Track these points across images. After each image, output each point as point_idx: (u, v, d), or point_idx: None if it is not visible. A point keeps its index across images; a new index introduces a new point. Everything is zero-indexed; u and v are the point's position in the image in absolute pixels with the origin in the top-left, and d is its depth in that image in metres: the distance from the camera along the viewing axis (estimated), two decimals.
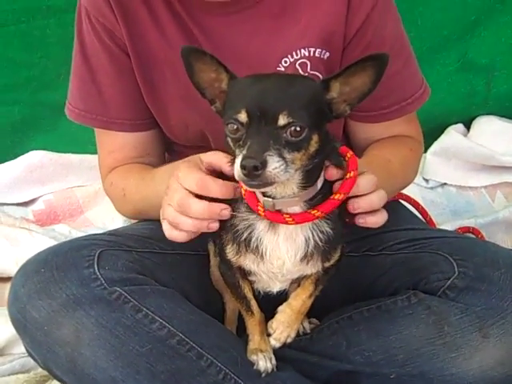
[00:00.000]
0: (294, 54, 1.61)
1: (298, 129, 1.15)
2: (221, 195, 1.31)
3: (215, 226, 1.34)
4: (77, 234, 2.39)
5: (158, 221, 1.66)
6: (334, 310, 1.63)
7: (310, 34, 1.60)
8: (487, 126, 2.73)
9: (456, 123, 2.77)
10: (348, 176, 1.28)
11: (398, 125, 1.77)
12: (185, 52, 1.26)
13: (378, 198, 1.35)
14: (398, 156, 1.71)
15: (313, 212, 1.25)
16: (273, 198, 1.25)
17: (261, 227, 1.30)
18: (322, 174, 1.27)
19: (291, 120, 1.14)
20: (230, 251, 1.35)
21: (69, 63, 2.40)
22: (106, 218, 2.50)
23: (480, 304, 1.44)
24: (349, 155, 1.31)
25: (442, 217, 2.54)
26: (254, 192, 1.27)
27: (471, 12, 2.54)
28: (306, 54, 1.61)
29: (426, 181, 2.72)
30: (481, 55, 2.64)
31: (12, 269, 2.13)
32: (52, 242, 2.16)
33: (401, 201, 2.09)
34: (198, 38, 1.62)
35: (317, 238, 1.30)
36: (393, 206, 1.88)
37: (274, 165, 1.11)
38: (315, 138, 1.18)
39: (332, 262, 1.35)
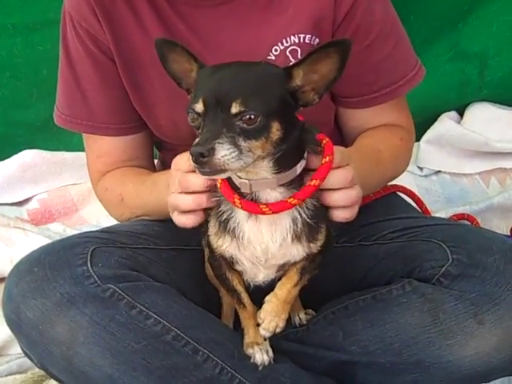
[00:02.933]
0: (283, 41, 1.60)
1: (252, 117, 1.15)
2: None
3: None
4: (71, 232, 2.39)
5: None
6: (330, 301, 1.63)
7: (299, 21, 1.59)
8: (481, 113, 2.72)
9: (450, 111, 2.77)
10: (323, 161, 1.28)
11: (388, 112, 1.76)
12: (158, 44, 1.31)
13: (354, 193, 1.35)
14: (388, 146, 1.71)
15: (289, 200, 1.26)
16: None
17: (240, 215, 1.31)
18: (303, 160, 1.27)
19: (243, 108, 1.15)
20: (213, 235, 1.35)
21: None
22: (101, 216, 2.50)
23: (474, 290, 1.44)
24: (324, 141, 1.31)
25: (436, 204, 2.54)
26: (229, 184, 1.28)
27: (463, 2, 2.54)
28: (296, 40, 1.60)
29: (420, 169, 2.72)
30: (473, 44, 2.63)
31: (7, 269, 2.10)
32: (47, 241, 2.15)
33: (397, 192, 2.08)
34: (184, 34, 1.61)
35: (300, 218, 1.29)
36: (387, 196, 1.89)
37: (222, 152, 1.12)
38: (276, 125, 1.18)
39: (318, 244, 1.34)
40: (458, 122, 2.75)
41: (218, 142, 1.13)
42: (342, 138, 1.84)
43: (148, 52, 1.62)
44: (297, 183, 1.27)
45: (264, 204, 1.27)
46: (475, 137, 2.63)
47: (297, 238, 1.31)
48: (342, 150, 1.36)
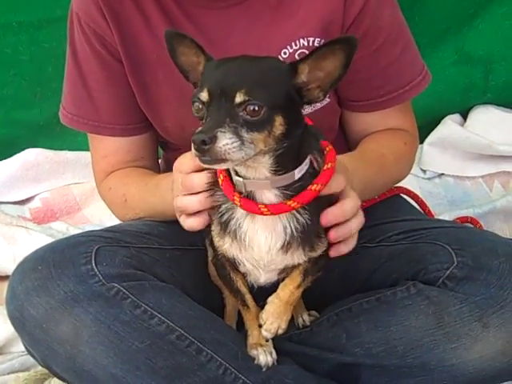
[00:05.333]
0: (293, 44, 1.61)
1: (256, 108, 1.15)
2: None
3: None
4: (74, 231, 2.39)
5: None
6: (334, 303, 1.62)
7: (309, 24, 1.59)
8: (484, 116, 2.72)
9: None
10: (325, 167, 1.28)
11: (393, 116, 1.76)
12: (167, 36, 1.30)
13: (356, 224, 1.36)
14: (392, 150, 1.71)
15: (289, 203, 1.25)
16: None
17: (240, 212, 1.30)
18: (304, 165, 1.26)
19: (247, 98, 1.15)
20: (215, 235, 1.35)
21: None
22: (104, 215, 2.49)
23: (479, 293, 1.43)
24: (327, 149, 1.31)
25: (439, 207, 2.54)
26: (231, 181, 1.28)
27: (469, 5, 2.54)
28: (305, 43, 1.60)
29: (424, 171, 2.72)
30: (478, 47, 2.63)
31: (10, 267, 2.12)
32: (49, 240, 2.16)
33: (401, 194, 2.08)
34: (191, 34, 1.60)
35: (294, 227, 1.29)
36: (391, 198, 1.88)
37: (224, 141, 1.12)
38: (279, 119, 1.17)
39: (319, 251, 1.33)
40: (462, 125, 2.75)
41: (220, 131, 1.13)
42: (346, 141, 1.84)
43: (155, 52, 1.61)
44: (294, 188, 1.26)
45: (263, 204, 1.26)
46: (479, 140, 2.63)
47: (289, 246, 1.30)
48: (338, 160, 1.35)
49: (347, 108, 1.77)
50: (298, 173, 1.25)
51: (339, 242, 1.36)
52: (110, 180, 1.79)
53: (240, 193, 1.27)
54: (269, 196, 1.27)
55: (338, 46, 1.17)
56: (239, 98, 1.15)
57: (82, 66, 1.70)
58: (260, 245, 1.30)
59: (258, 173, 1.24)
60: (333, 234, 1.33)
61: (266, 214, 1.26)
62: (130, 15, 1.62)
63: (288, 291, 1.40)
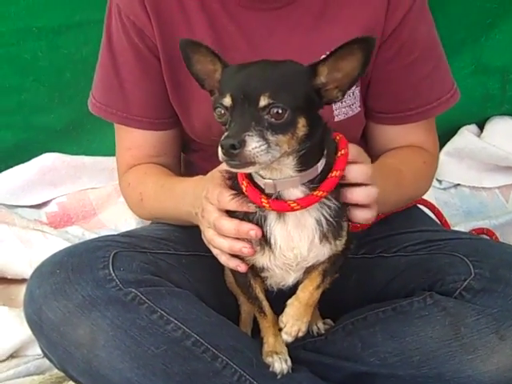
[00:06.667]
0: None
1: (280, 111, 1.16)
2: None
3: (247, 251, 1.33)
4: (90, 235, 2.39)
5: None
6: (349, 312, 1.62)
7: (350, 31, 1.58)
8: (501, 127, 2.70)
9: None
10: (339, 154, 1.30)
11: (416, 133, 1.76)
12: (182, 44, 1.32)
13: (373, 192, 1.35)
14: (411, 167, 1.70)
15: (315, 193, 1.26)
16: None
17: (270, 220, 1.31)
18: (323, 157, 1.28)
19: (272, 101, 1.16)
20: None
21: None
22: (119, 220, 2.50)
23: (496, 306, 1.43)
24: (338, 137, 1.32)
25: (455, 218, 2.52)
26: (254, 187, 1.28)
27: (487, 15, 2.52)
28: None
29: (439, 181, 2.70)
30: (495, 58, 2.61)
31: (26, 271, 2.14)
32: (66, 244, 2.17)
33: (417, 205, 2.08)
34: (232, 35, 1.61)
35: (324, 218, 1.30)
36: (408, 208, 1.88)
37: (253, 144, 1.14)
38: (302, 121, 1.19)
39: (343, 241, 1.34)
40: (478, 136, 2.73)
41: (248, 135, 1.14)
42: (368, 152, 1.83)
43: None
44: (317, 180, 1.28)
45: (291, 200, 1.27)
46: (495, 151, 2.62)
47: (324, 237, 1.31)
48: (359, 149, 1.38)
49: (373, 119, 1.78)
50: (320, 166, 1.28)
51: (358, 207, 1.36)
52: (130, 175, 1.79)
53: (266, 196, 1.28)
54: (295, 193, 1.28)
55: (357, 46, 1.19)
56: (263, 102, 1.16)
57: (117, 57, 1.71)
58: (294, 246, 1.31)
59: (283, 173, 1.25)
60: (348, 193, 1.33)
61: (296, 209, 1.27)
62: (170, 11, 1.62)
63: (308, 292, 1.40)
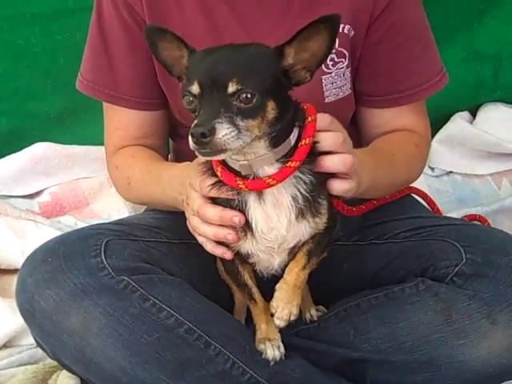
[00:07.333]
0: None
1: (249, 96, 1.16)
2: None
3: (231, 237, 1.34)
4: (82, 225, 2.37)
5: (165, 211, 1.69)
6: (342, 298, 1.62)
7: (339, 11, 1.57)
8: (493, 113, 2.71)
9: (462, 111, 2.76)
10: (307, 121, 1.29)
11: (407, 116, 1.76)
12: (147, 31, 1.30)
13: (349, 159, 1.33)
14: (403, 151, 1.71)
15: (288, 164, 1.26)
16: None
17: (249, 204, 1.31)
18: (295, 130, 1.27)
19: (240, 87, 1.16)
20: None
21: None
22: (112, 210, 2.50)
23: (488, 291, 1.44)
24: (306, 106, 1.31)
25: (447, 205, 2.53)
26: (228, 171, 1.28)
27: (479, 2, 2.52)
28: None
29: (432, 169, 2.70)
30: (488, 45, 2.61)
31: (18, 260, 2.13)
32: (58, 234, 2.15)
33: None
34: (225, 16, 1.60)
35: (301, 192, 1.30)
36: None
37: (223, 132, 1.13)
38: (271, 104, 1.19)
39: (323, 219, 1.33)
40: (471, 123, 2.73)
41: (218, 122, 1.14)
42: (360, 138, 1.83)
43: (181, 30, 1.60)
44: (290, 155, 1.27)
45: (267, 176, 1.27)
46: (488, 137, 2.62)
47: (301, 214, 1.31)
48: (330, 117, 1.36)
49: (364, 104, 1.78)
50: (293, 138, 1.27)
51: (336, 179, 1.34)
52: (118, 158, 1.79)
53: (243, 178, 1.28)
54: (271, 170, 1.27)
55: (323, 26, 1.19)
56: (232, 88, 1.16)
57: (107, 34, 1.70)
58: (273, 227, 1.31)
59: (256, 154, 1.25)
60: (322, 161, 1.31)
61: (272, 185, 1.27)
62: None
63: (294, 274, 1.39)
